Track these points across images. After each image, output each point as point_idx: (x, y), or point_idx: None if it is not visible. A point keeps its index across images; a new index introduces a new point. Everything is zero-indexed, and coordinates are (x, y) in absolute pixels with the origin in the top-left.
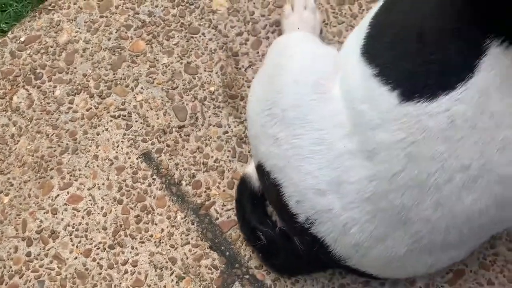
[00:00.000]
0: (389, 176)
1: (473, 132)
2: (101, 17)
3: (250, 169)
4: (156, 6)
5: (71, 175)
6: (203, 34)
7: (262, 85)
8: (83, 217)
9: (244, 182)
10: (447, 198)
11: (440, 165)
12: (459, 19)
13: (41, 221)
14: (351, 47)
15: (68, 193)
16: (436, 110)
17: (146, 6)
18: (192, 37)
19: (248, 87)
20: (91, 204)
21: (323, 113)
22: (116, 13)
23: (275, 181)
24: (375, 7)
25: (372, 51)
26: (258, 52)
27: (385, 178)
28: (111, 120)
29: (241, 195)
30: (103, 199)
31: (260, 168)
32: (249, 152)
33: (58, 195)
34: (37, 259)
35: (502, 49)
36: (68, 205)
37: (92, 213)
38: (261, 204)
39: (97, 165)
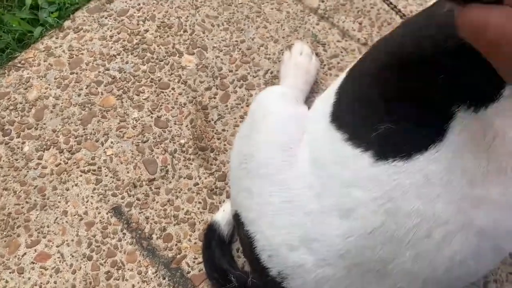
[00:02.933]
0: (366, 232)
1: (449, 189)
2: (71, 73)
3: (219, 217)
4: (127, 63)
5: (39, 232)
6: (173, 88)
7: (241, 139)
8: (51, 276)
9: (212, 229)
10: (426, 252)
11: (419, 221)
12: (425, 88)
13: (6, 281)
14: (319, 113)
15: (35, 251)
16: (411, 169)
17: (116, 62)
18: (162, 91)
19: (218, 139)
20: (60, 262)
21: (292, 174)
22: (86, 70)
23: (248, 233)
24: (341, 77)
25: (341, 118)
26: (226, 105)
27: (362, 234)
28: (80, 175)
29: (209, 242)
30: (72, 256)
31: (236, 217)
32: (219, 203)
33: (25, 253)
34: None
35: (469, 113)
36: (36, 264)
37: (61, 271)
38: (229, 252)
39: (66, 221)
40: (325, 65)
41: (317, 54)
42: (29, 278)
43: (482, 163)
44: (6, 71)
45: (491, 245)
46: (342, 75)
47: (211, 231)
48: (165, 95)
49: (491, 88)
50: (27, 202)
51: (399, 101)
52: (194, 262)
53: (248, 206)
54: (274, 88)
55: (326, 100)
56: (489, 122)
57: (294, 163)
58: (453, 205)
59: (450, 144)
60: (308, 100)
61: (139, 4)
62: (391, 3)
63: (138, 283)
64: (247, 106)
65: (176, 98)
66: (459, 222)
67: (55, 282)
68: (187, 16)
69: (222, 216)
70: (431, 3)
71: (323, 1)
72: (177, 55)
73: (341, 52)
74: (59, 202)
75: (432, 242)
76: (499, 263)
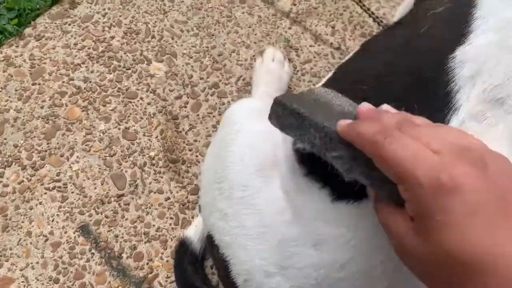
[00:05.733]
0: (337, 266)
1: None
2: (33, 84)
3: (191, 232)
4: (92, 72)
5: (1, 255)
6: (141, 98)
7: (213, 156)
8: None
9: (183, 246)
10: (398, 284)
11: (386, 256)
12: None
13: None
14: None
15: None
16: (365, 212)
17: (81, 72)
18: (130, 102)
19: (190, 150)
20: (24, 286)
21: (266, 197)
22: (49, 80)
23: (223, 256)
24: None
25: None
26: (198, 115)
27: (333, 267)
28: (45, 193)
29: (181, 258)
30: (38, 280)
31: (209, 238)
32: (192, 217)
33: None
34: None
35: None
36: None
37: None
38: (203, 269)
39: (31, 242)
40: (298, 70)
41: (290, 59)
42: None
43: None
44: None
45: None
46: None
47: (182, 247)
48: (133, 105)
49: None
50: None
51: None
52: (166, 281)
53: (222, 228)
54: (244, 103)
55: None
56: None
57: (267, 186)
58: None
59: None
60: None
61: (104, 10)
62: (364, 5)
63: None
64: (219, 115)
65: (145, 108)
66: None
67: None
68: (155, 22)
69: (195, 232)
70: (402, 5)
71: (295, 5)
72: (145, 62)
73: (314, 57)
74: (23, 222)
75: (402, 275)
76: None
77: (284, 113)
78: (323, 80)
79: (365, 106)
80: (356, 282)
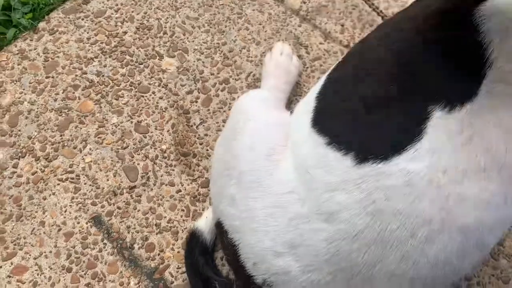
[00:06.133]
0: (351, 236)
1: (430, 188)
2: (47, 77)
3: (202, 223)
4: (105, 66)
5: (15, 244)
6: (153, 92)
7: (223, 146)
8: None
9: (194, 236)
10: (411, 252)
11: (402, 222)
12: (400, 90)
13: None
14: (301, 119)
15: (12, 263)
16: (391, 170)
17: (94, 66)
18: (142, 96)
19: (200, 144)
20: (38, 274)
21: (276, 179)
22: (63, 73)
23: (232, 241)
24: (320, 81)
25: (322, 122)
26: (209, 109)
27: (346, 238)
28: (58, 184)
29: (192, 249)
30: (51, 268)
31: (219, 225)
32: (203, 210)
33: (1, 266)
34: None
35: (444, 113)
36: (12, 277)
37: (39, 284)
38: (213, 260)
39: (44, 232)
40: (307, 67)
41: (299, 57)
42: None
43: (461, 162)
44: None
45: (474, 242)
46: (322, 79)
47: (193, 238)
48: (145, 100)
49: (467, 87)
50: (2, 213)
51: (377, 105)
52: (177, 272)
53: (231, 213)
54: (254, 93)
55: (307, 104)
56: (466, 121)
57: (277, 169)
58: (435, 204)
59: (427, 143)
60: (292, 103)
61: (117, 5)
62: (372, 4)
63: None
64: (230, 110)
65: (157, 103)
66: (442, 221)
67: None
68: (167, 18)
69: (205, 223)
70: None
71: (304, 3)
72: (157, 57)
73: (324, 54)
74: (36, 212)
75: (416, 242)
76: (482, 265)
77: None
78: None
79: None
80: (367, 254)
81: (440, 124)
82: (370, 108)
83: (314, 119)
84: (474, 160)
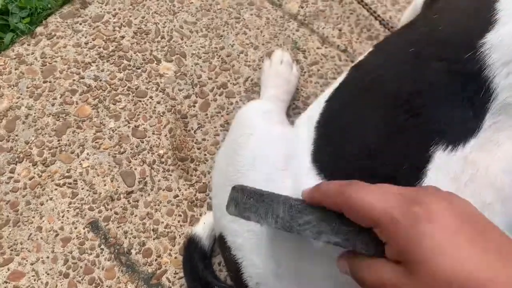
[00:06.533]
0: None
1: None
2: (44, 82)
3: (199, 229)
4: (102, 71)
5: (12, 250)
6: (151, 97)
7: (225, 158)
8: None
9: (192, 242)
10: None
11: None
12: (400, 130)
13: None
14: (301, 146)
15: (8, 269)
16: None
17: (91, 70)
18: (140, 100)
19: (198, 148)
20: (35, 280)
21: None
22: (60, 78)
23: (235, 258)
24: (320, 101)
25: (321, 160)
26: (206, 114)
27: None
28: (55, 189)
29: (190, 255)
30: (48, 274)
31: (221, 239)
32: (200, 215)
33: None
34: None
35: (446, 153)
36: (9, 283)
37: None
38: (211, 265)
39: (41, 237)
40: (305, 72)
41: (297, 61)
42: None
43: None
44: None
45: None
46: (321, 101)
47: (192, 244)
48: (142, 104)
49: (471, 121)
50: None
51: (375, 149)
52: (175, 277)
53: (234, 230)
54: (257, 105)
55: (308, 128)
56: (469, 159)
57: (279, 189)
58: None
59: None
60: (289, 107)
61: (114, 10)
62: (370, 8)
63: None
64: (227, 114)
65: (154, 107)
66: None
67: None
68: (165, 22)
69: (203, 229)
70: (408, 9)
71: (302, 7)
72: (155, 62)
73: (321, 59)
74: (33, 217)
75: None
76: None
77: (244, 197)
78: (335, 84)
79: (307, 188)
80: None
81: (442, 166)
82: (371, 152)
83: (314, 154)
84: (478, 198)
